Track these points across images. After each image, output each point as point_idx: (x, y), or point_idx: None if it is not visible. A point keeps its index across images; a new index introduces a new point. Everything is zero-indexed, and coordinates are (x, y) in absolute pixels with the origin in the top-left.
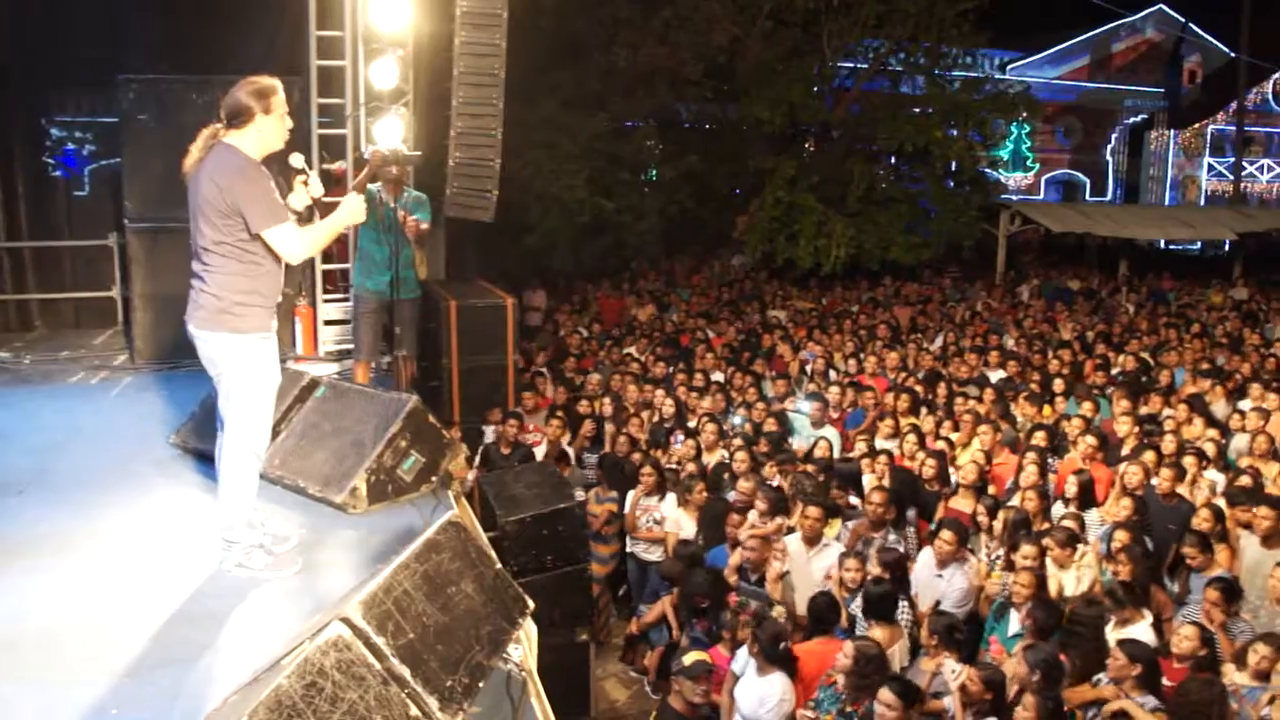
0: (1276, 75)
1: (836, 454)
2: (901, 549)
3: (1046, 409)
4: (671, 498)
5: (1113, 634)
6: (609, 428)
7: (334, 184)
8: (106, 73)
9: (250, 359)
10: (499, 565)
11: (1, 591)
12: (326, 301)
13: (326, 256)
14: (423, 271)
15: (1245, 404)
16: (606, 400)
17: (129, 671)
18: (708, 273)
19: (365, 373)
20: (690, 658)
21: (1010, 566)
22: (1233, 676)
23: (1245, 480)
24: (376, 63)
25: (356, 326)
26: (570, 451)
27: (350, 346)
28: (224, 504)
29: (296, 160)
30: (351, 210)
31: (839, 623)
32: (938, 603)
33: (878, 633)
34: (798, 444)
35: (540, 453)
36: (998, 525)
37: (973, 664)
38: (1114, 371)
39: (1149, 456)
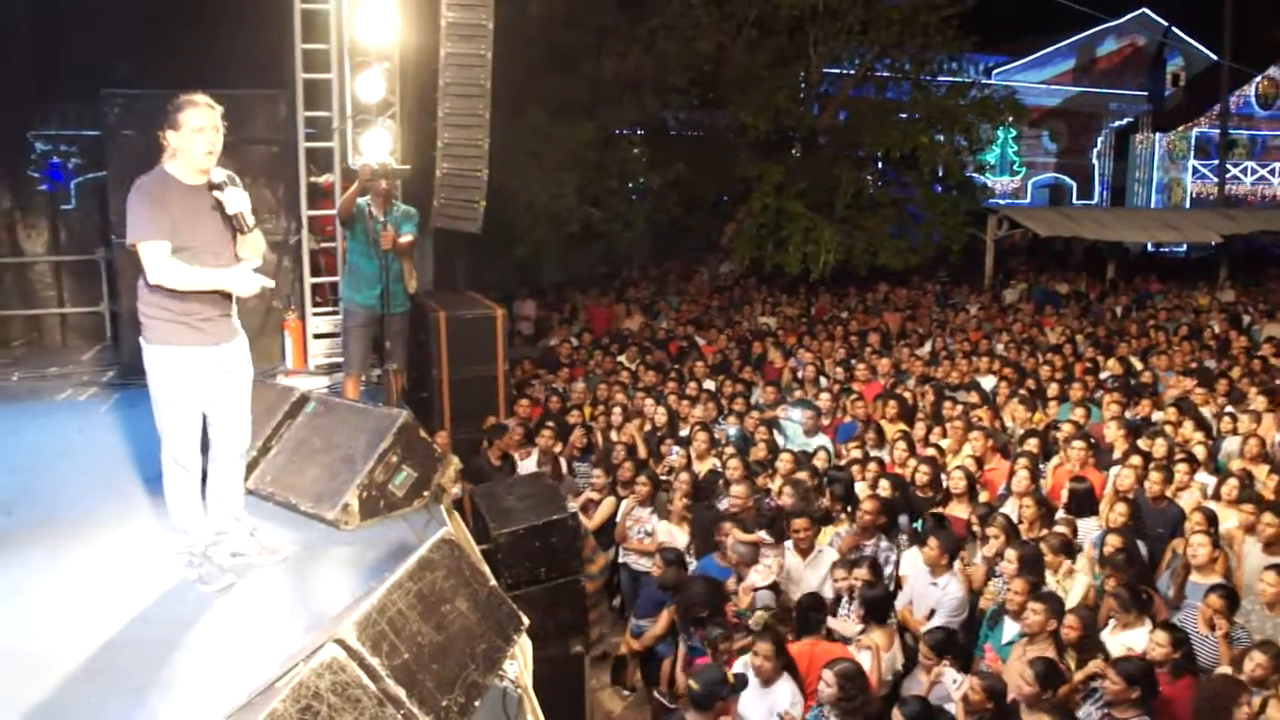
0: (1259, 78)
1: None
2: (894, 556)
3: (1037, 414)
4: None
5: (1111, 637)
6: (611, 436)
7: (322, 197)
8: (91, 86)
9: (154, 367)
10: (493, 582)
11: None
12: (316, 315)
13: (315, 270)
14: (412, 285)
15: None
16: (600, 409)
17: (122, 693)
18: (697, 280)
19: (355, 387)
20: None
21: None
22: None
23: (1234, 483)
24: (363, 75)
25: (346, 340)
26: (562, 461)
27: (339, 360)
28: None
29: (214, 175)
30: (238, 281)
31: (825, 622)
32: (932, 611)
33: (877, 635)
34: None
35: (531, 464)
36: (992, 531)
37: (971, 673)
38: (1103, 375)
39: (1137, 460)
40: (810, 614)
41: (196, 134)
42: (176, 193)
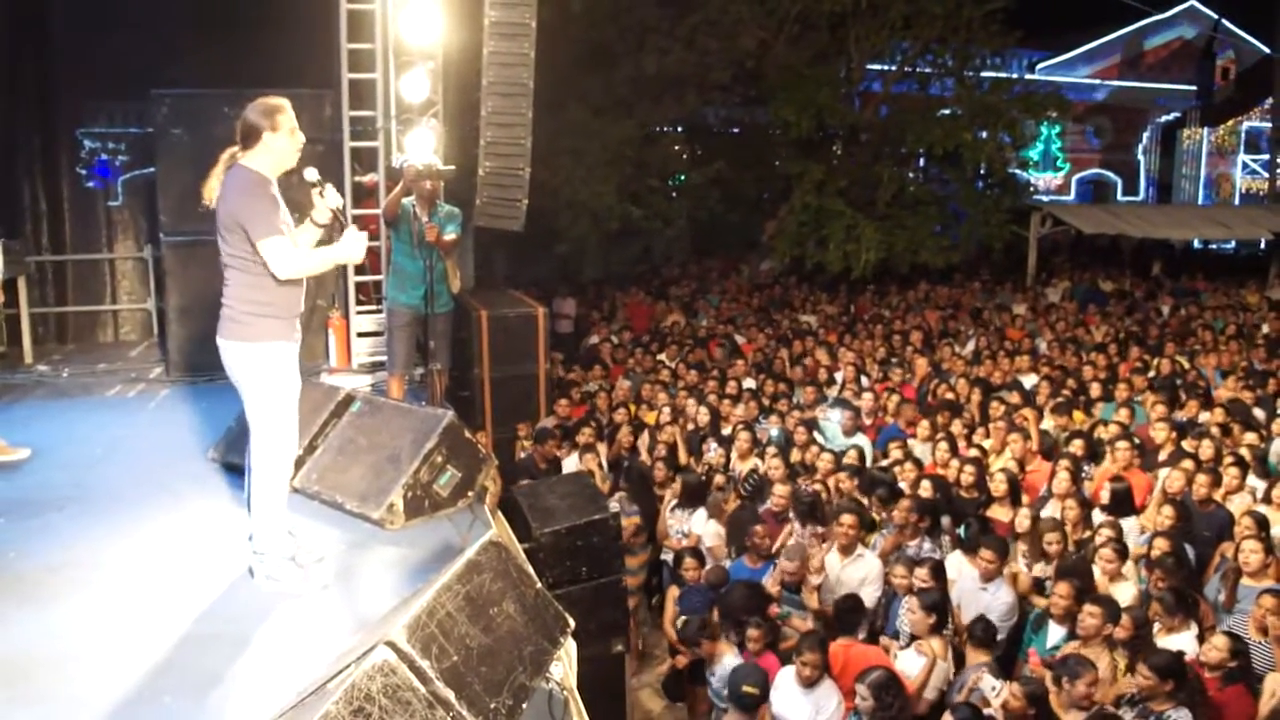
0: None
1: (869, 462)
2: (937, 558)
3: (1078, 414)
4: (702, 511)
5: (1155, 640)
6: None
7: (366, 196)
8: (138, 84)
9: (261, 368)
10: (539, 584)
11: (42, 610)
12: (360, 313)
13: (359, 269)
14: (455, 285)
15: None
16: (641, 408)
17: (173, 690)
18: (736, 278)
19: (400, 386)
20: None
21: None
22: None
23: None
24: (407, 75)
25: (390, 340)
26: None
27: (383, 358)
28: (254, 516)
29: (310, 174)
30: (352, 247)
31: (863, 624)
32: (981, 616)
33: (935, 644)
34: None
35: (571, 463)
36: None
37: (1013, 678)
38: (1149, 375)
39: (1188, 464)
40: (848, 615)
41: (294, 134)
42: (272, 190)
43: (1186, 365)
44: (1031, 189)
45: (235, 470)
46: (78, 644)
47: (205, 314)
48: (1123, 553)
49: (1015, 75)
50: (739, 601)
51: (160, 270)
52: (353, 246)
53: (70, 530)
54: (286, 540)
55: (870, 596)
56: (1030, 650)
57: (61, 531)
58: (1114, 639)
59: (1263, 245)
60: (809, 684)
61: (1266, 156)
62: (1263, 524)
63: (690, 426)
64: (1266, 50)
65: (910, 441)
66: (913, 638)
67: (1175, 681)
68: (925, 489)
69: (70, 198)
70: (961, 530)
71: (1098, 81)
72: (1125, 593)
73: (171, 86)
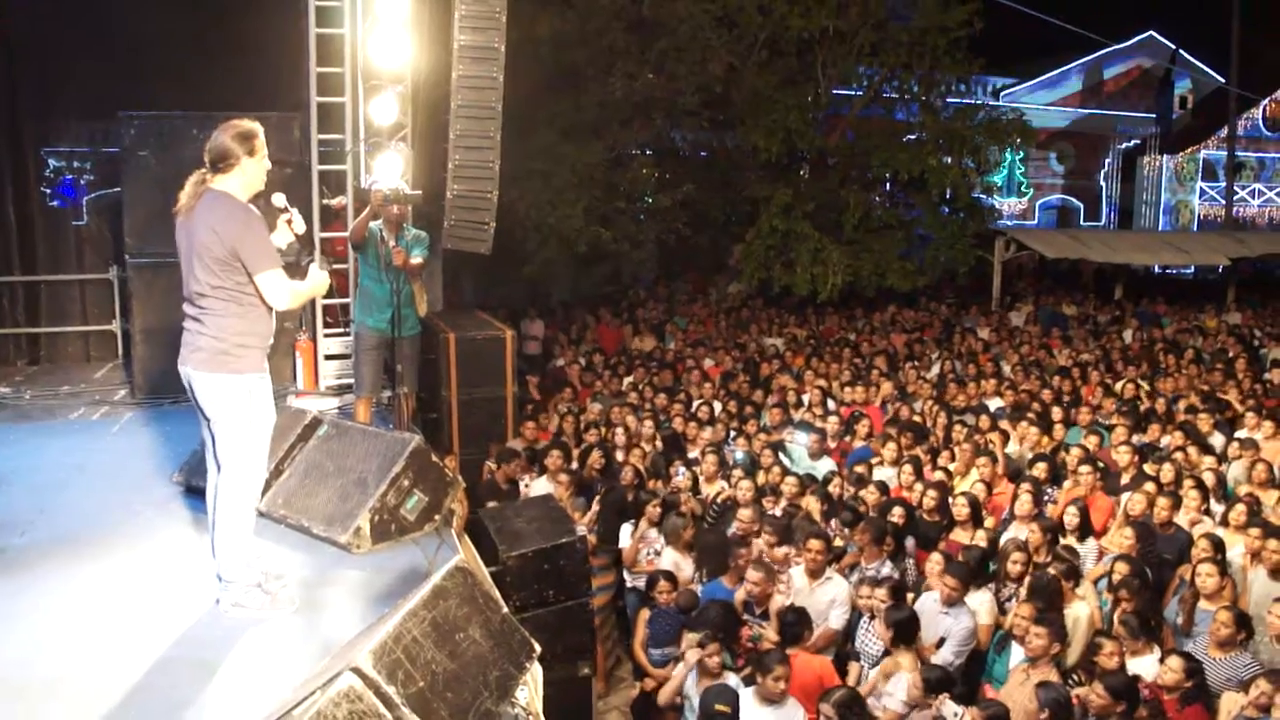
0: (1266, 100)
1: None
2: (896, 578)
3: (1046, 438)
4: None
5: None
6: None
7: (334, 219)
8: (104, 104)
9: (249, 399)
10: (505, 609)
11: (4, 636)
12: (327, 336)
13: (326, 292)
14: (422, 308)
15: (1242, 431)
16: (608, 431)
17: (139, 717)
18: (702, 300)
19: (366, 409)
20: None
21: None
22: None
23: (1242, 508)
24: (376, 99)
25: (358, 363)
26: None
27: (350, 381)
28: (222, 544)
29: (278, 200)
30: (322, 282)
31: (808, 635)
32: (943, 639)
33: (906, 658)
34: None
35: (539, 486)
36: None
37: (974, 703)
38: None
39: (1151, 487)
40: (791, 627)
41: (265, 159)
42: (259, 216)
43: (1148, 389)
44: (996, 214)
45: (199, 494)
46: (41, 670)
47: (170, 335)
48: (1071, 574)
49: (980, 101)
50: (712, 623)
51: (126, 292)
52: (321, 282)
53: (34, 555)
54: (252, 566)
55: (839, 619)
56: (983, 683)
57: (24, 557)
58: (1063, 660)
59: (1220, 270)
60: (774, 699)
61: (1223, 184)
62: (1219, 546)
63: (650, 449)
64: (1221, 80)
65: (875, 465)
66: (885, 652)
67: (1128, 702)
68: (897, 515)
69: (41, 217)
70: None
71: (1060, 108)
72: (1080, 613)
73: (139, 108)
